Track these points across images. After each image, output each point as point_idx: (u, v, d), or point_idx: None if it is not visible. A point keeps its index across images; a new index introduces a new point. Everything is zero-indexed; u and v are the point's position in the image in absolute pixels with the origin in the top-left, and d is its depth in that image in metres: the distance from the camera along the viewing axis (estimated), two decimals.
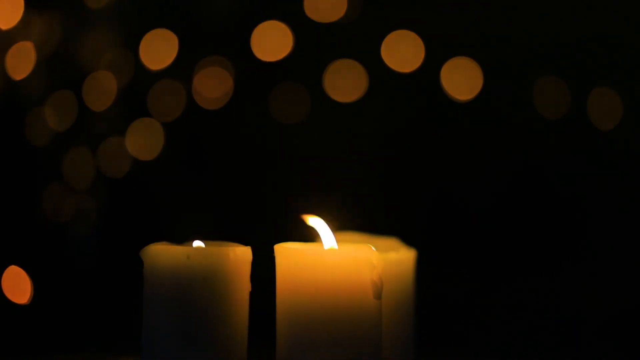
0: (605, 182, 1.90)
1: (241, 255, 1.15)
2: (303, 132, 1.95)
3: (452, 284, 1.90)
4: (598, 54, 1.90)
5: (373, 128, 1.95)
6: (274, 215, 1.93)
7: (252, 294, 1.17)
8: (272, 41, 1.92)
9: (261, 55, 1.93)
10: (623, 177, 1.90)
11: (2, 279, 1.81)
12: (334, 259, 1.10)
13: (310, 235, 1.18)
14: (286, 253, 1.12)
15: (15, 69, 1.86)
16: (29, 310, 1.82)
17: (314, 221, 1.16)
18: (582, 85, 1.88)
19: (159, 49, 1.93)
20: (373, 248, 1.11)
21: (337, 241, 1.17)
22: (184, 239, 1.18)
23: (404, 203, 1.95)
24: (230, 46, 1.95)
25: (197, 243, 1.17)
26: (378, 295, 1.11)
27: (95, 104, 1.91)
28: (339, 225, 1.36)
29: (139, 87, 1.93)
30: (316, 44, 1.93)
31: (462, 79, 1.90)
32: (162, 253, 1.13)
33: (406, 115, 1.95)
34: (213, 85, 1.94)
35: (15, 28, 1.85)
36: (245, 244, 1.17)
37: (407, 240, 1.34)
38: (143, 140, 1.94)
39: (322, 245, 1.15)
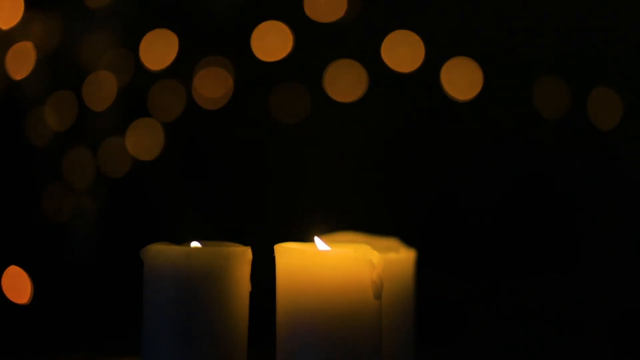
0: (605, 182, 1.90)
1: (241, 255, 1.15)
2: (303, 132, 1.95)
3: (452, 284, 1.90)
4: (598, 54, 1.90)
5: (373, 128, 1.95)
6: (274, 215, 1.93)
7: (252, 294, 1.17)
8: (272, 41, 1.92)
9: (261, 55, 1.93)
10: (623, 177, 1.90)
11: (2, 279, 1.81)
12: (334, 259, 1.10)
13: (310, 236, 1.18)
14: (286, 253, 1.12)
15: (15, 69, 1.86)
16: (29, 310, 1.82)
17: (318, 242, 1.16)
18: (582, 85, 1.88)
19: (159, 49, 1.93)
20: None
21: (337, 242, 1.17)
22: (184, 239, 1.18)
23: (404, 203, 1.95)
24: (230, 46, 1.95)
25: (195, 244, 1.17)
26: (378, 295, 1.10)
27: (95, 104, 1.91)
28: (339, 226, 1.36)
29: (139, 87, 1.93)
30: (316, 44, 1.93)
31: (462, 79, 1.90)
32: (162, 253, 1.13)
33: (406, 115, 1.95)
34: (213, 85, 1.94)
35: (15, 28, 1.85)
36: (245, 244, 1.17)
37: (407, 240, 1.34)
38: (143, 140, 1.94)
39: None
